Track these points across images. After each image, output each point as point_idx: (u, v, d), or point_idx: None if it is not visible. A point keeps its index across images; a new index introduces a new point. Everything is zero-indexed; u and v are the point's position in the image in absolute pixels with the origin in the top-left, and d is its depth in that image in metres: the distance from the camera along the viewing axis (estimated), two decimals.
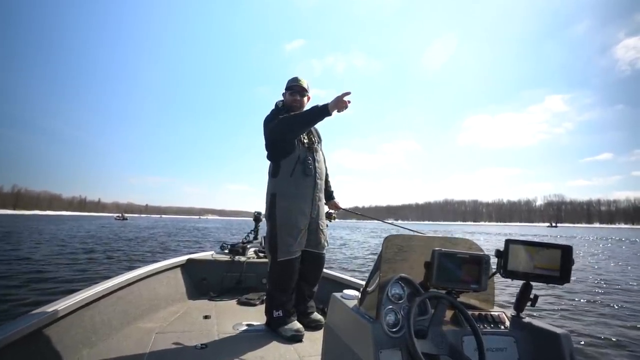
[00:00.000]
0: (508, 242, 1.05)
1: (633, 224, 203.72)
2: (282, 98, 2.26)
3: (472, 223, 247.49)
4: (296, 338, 1.96)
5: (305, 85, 2.18)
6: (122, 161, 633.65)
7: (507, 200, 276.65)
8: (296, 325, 2.04)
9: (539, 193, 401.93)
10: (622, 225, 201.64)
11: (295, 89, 2.15)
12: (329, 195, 2.45)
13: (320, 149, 2.28)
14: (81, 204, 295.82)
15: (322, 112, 1.88)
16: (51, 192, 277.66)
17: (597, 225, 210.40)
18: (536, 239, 0.94)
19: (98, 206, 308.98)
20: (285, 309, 2.07)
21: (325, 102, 1.88)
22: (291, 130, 2.01)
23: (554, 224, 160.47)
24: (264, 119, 2.16)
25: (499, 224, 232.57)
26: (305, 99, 2.20)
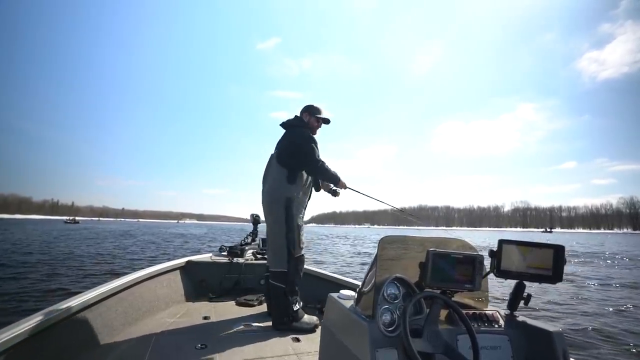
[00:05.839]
0: (501, 242, 1.08)
1: (590, 229, 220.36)
2: (295, 112, 2.59)
3: (445, 228, 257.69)
4: (314, 329, 2.20)
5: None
6: (97, 164, 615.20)
7: (477, 206, 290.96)
8: (313, 317, 2.29)
9: (506, 199, 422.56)
10: (581, 230, 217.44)
11: (327, 121, 2.57)
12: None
13: None
14: (53, 208, 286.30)
15: (337, 181, 2.43)
16: (20, 196, 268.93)
17: (559, 230, 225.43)
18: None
19: (71, 210, 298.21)
20: (299, 300, 2.30)
21: (342, 180, 2.43)
22: (317, 174, 2.46)
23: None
24: (300, 135, 2.41)
25: (470, 229, 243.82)
26: None
